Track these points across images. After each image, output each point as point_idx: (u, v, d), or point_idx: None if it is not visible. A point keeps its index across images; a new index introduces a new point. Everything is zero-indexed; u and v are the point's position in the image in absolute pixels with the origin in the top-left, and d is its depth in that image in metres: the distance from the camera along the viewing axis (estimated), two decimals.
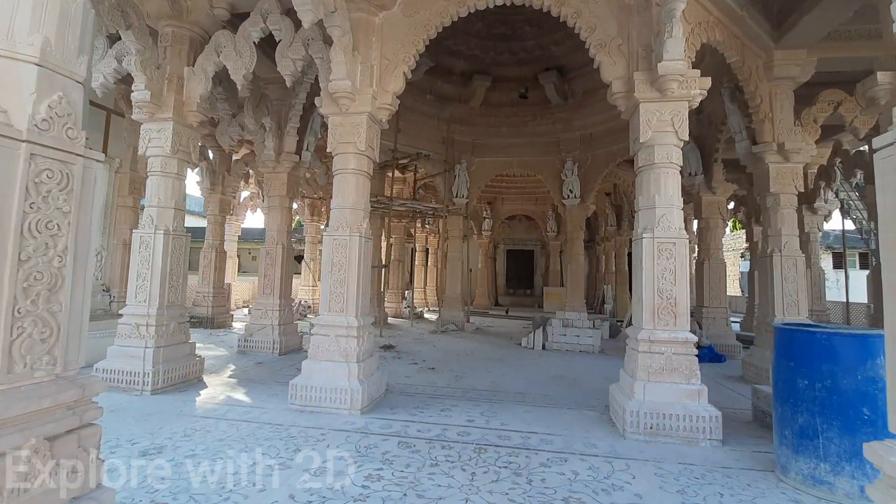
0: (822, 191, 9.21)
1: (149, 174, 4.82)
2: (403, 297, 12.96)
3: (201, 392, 4.54)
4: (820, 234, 9.88)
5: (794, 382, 2.81)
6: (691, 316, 4.18)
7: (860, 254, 20.13)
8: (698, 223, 8.86)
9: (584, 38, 4.16)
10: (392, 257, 12.86)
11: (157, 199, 4.75)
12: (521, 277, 21.22)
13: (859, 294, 11.96)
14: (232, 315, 9.90)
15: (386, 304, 12.28)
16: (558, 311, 9.09)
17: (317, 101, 4.43)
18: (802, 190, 5.75)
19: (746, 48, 5.40)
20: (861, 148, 8.42)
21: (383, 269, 10.50)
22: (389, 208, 9.50)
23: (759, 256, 6.00)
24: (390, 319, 11.56)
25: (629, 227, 14.62)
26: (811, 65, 5.64)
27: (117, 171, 7.63)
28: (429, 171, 10.72)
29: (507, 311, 14.43)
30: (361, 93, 4.24)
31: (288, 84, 4.69)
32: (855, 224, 9.95)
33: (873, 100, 4.14)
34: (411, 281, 17.36)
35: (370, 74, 4.32)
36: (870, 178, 7.69)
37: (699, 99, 3.90)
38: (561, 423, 3.87)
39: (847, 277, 10.08)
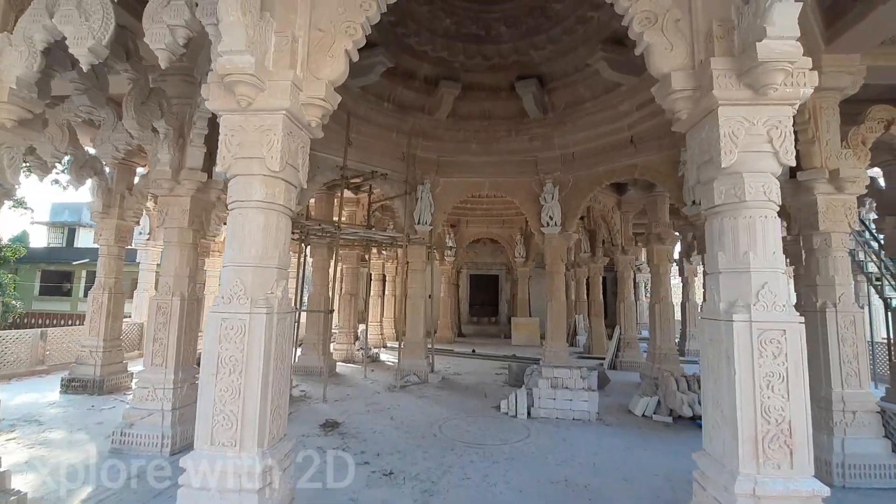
0: None
1: None
2: (356, 338, 11.11)
3: None
4: None
5: None
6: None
7: None
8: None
9: (623, 7, 2.76)
10: (342, 291, 11.06)
11: None
12: (485, 304, 19.83)
13: None
14: (132, 373, 7.71)
15: (335, 347, 10.42)
16: (529, 347, 7.64)
17: (203, 90, 2.75)
18: (857, 227, 4.64)
19: None
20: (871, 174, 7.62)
21: (331, 314, 8.69)
22: (337, 238, 7.77)
23: (803, 311, 4.77)
24: (339, 367, 9.68)
25: (604, 255, 13.57)
26: (862, 74, 4.58)
27: None
28: (386, 193, 9.08)
29: (473, 351, 12.82)
30: (276, 77, 2.61)
31: (162, 64, 2.97)
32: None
33: None
34: (366, 310, 15.44)
35: (290, 50, 2.70)
36: (886, 209, 6.84)
37: (800, 103, 2.57)
38: None
39: None
